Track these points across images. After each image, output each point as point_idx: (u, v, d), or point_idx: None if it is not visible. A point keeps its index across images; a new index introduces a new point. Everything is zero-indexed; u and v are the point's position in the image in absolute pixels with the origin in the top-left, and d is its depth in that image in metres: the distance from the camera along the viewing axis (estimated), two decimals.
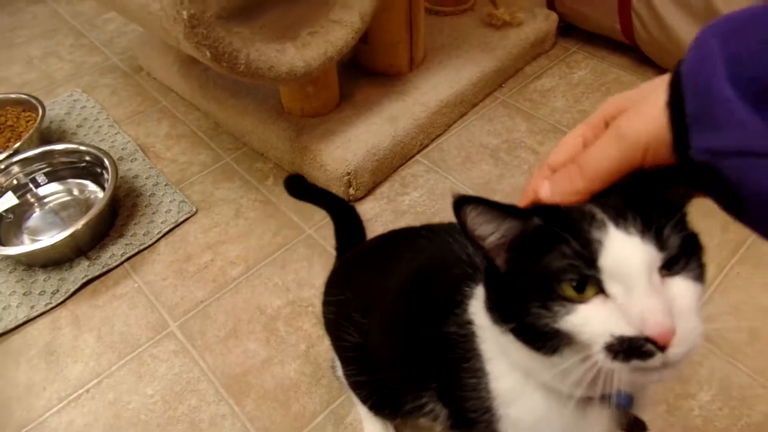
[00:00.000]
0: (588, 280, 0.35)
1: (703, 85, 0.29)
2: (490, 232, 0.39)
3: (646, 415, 0.48)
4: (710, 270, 1.04)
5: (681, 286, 0.35)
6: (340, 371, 0.80)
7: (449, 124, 1.30)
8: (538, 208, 0.39)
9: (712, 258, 1.05)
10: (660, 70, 1.40)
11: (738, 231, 1.04)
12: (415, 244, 0.68)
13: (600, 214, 0.36)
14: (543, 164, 0.41)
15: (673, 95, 0.31)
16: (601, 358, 0.35)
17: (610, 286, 0.35)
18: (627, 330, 0.34)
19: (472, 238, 0.40)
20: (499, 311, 0.42)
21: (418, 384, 0.59)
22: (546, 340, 0.38)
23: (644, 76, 1.40)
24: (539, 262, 0.37)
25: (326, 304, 0.78)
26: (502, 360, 0.47)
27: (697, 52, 0.30)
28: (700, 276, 0.37)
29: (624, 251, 0.34)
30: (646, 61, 1.42)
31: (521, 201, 0.42)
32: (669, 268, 0.36)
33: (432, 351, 0.55)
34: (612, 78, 1.42)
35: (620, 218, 0.35)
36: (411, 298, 0.61)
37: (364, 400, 0.73)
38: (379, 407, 0.73)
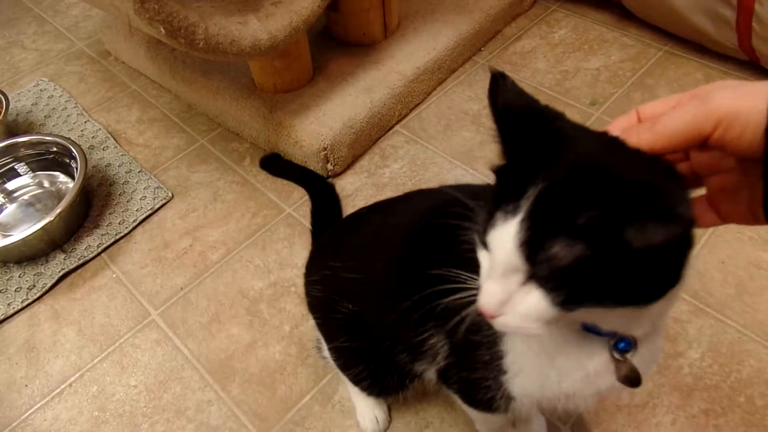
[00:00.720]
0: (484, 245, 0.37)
1: None
2: None
3: (647, 370, 0.48)
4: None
5: (530, 297, 0.35)
6: (326, 352, 0.78)
7: (428, 91, 1.26)
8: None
9: None
10: (643, 25, 1.36)
11: None
12: (418, 195, 0.68)
13: (528, 194, 0.33)
14: (633, 109, 0.39)
15: None
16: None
17: (485, 258, 0.37)
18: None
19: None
20: None
21: (422, 316, 0.57)
22: None
23: (627, 32, 1.36)
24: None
25: (310, 284, 0.76)
26: None
27: None
28: (557, 303, 0.34)
29: (499, 239, 0.34)
30: (628, 16, 1.38)
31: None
32: (537, 279, 0.34)
33: (441, 271, 0.52)
34: (594, 36, 1.38)
35: (532, 209, 0.33)
36: (422, 236, 0.59)
37: (356, 379, 0.72)
38: (371, 383, 0.71)
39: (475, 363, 0.52)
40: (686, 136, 0.33)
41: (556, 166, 0.34)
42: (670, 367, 0.83)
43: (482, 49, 1.37)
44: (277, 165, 1.15)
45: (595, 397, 0.50)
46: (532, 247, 0.32)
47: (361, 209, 0.79)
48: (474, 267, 0.45)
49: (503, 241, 0.34)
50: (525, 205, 0.33)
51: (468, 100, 1.26)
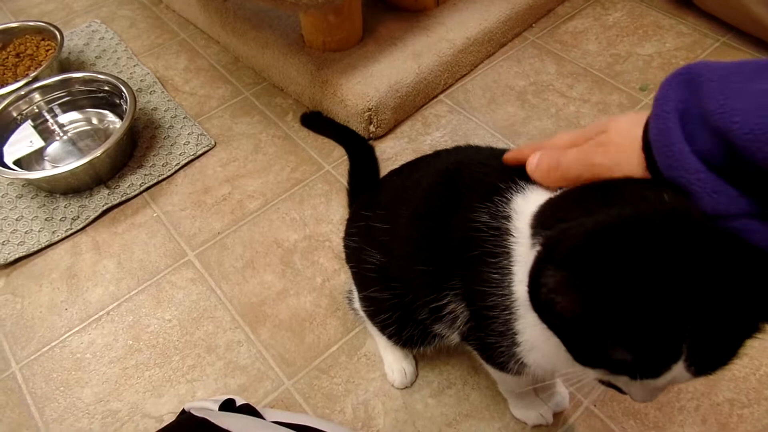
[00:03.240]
0: None
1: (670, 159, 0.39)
2: None
3: None
4: None
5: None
6: (356, 303, 0.80)
7: (475, 63, 1.25)
8: None
9: None
10: (701, 14, 1.32)
11: None
12: (451, 150, 0.67)
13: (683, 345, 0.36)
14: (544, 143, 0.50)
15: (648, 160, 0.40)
16: None
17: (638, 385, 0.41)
18: None
19: None
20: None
21: (441, 281, 0.58)
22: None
23: (684, 20, 1.33)
24: None
25: (348, 236, 0.77)
26: (525, 268, 0.46)
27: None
28: None
29: (668, 377, 0.39)
30: (687, 4, 1.34)
31: (509, 154, 0.52)
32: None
33: (459, 244, 0.54)
34: (650, 21, 1.35)
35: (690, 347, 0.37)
36: (444, 191, 0.59)
37: (383, 326, 0.73)
38: (397, 331, 0.72)
39: (490, 331, 0.53)
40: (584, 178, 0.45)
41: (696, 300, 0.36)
42: None
43: (533, 25, 1.35)
44: (318, 122, 1.16)
45: None
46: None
47: (403, 165, 0.79)
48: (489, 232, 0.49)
49: (672, 375, 0.37)
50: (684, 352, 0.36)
51: (515, 76, 1.24)
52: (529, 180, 0.50)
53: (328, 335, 0.88)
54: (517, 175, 0.51)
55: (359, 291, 0.77)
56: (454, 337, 0.63)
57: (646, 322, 0.35)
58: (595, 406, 0.79)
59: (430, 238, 0.59)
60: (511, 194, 0.50)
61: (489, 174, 0.55)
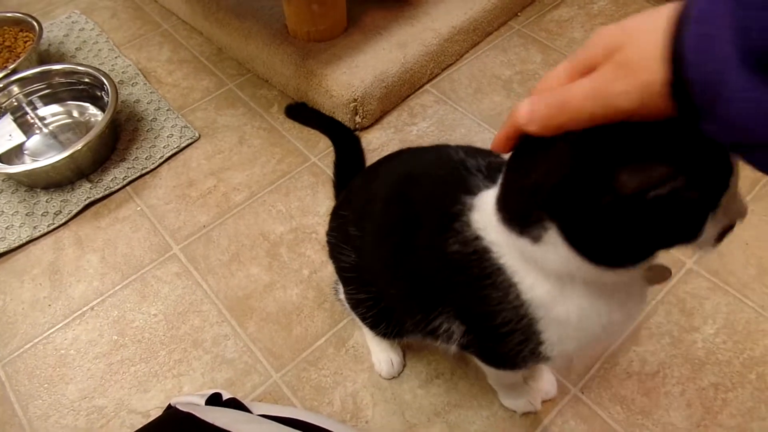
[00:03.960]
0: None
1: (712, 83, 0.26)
2: None
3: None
4: None
5: None
6: (342, 294, 0.79)
7: (461, 53, 1.25)
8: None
9: None
10: None
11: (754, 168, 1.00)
12: (408, 153, 0.66)
13: None
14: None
15: (676, 76, 0.28)
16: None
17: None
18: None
19: None
20: (580, 242, 0.39)
21: (426, 305, 0.58)
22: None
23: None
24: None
25: (330, 230, 0.77)
26: (532, 269, 0.45)
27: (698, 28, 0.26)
28: None
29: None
30: None
31: (498, 137, 0.41)
32: None
33: (439, 271, 0.53)
34: (634, 9, 1.34)
35: None
36: (399, 208, 0.59)
37: (364, 319, 0.73)
38: (380, 326, 0.72)
39: (506, 343, 0.51)
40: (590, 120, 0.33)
41: None
42: (683, 340, 0.83)
43: (519, 14, 1.35)
44: (303, 113, 1.15)
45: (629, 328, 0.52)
46: None
47: (369, 166, 0.78)
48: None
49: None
50: None
51: (501, 65, 1.24)
52: (473, 193, 0.50)
53: (315, 327, 0.88)
54: (462, 191, 0.51)
55: (342, 286, 0.76)
56: (451, 348, 0.61)
57: (716, 164, 0.36)
58: (582, 393, 0.80)
59: (400, 260, 0.59)
60: (467, 214, 0.49)
61: (437, 196, 0.54)
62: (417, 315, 0.61)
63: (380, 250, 0.62)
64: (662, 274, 0.47)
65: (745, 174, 1.02)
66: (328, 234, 0.77)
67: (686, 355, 0.82)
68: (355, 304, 0.73)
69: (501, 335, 0.50)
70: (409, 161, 0.64)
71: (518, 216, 0.42)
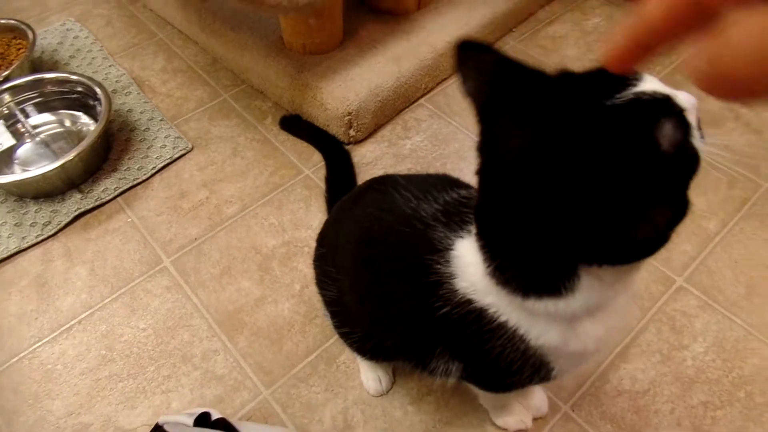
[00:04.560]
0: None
1: None
2: None
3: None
4: (714, 224, 1.02)
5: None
6: None
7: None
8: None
9: (716, 213, 1.03)
10: None
11: (744, 187, 1.01)
12: (364, 204, 0.64)
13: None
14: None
15: None
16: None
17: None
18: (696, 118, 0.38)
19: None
20: (614, 252, 0.37)
21: (419, 354, 0.57)
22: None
23: None
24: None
25: (314, 259, 0.77)
26: (538, 321, 0.45)
27: None
28: None
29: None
30: None
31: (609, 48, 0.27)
32: None
33: (429, 326, 0.52)
34: None
35: None
36: (369, 272, 0.59)
37: (351, 347, 0.74)
38: (366, 354, 0.73)
39: (516, 375, 0.50)
40: None
41: None
42: (673, 358, 0.84)
43: (514, 29, 1.36)
44: (297, 126, 1.15)
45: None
46: None
47: (358, 188, 0.76)
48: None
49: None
50: None
51: None
52: (440, 250, 0.48)
53: (306, 343, 0.87)
54: (428, 252, 0.49)
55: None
56: (449, 381, 0.60)
57: None
58: (573, 410, 0.80)
59: (386, 316, 0.58)
60: (449, 282, 0.48)
61: (405, 263, 0.53)
62: (412, 359, 0.61)
63: (361, 307, 0.63)
64: None
65: (734, 194, 1.03)
66: (314, 261, 0.77)
67: (676, 373, 0.82)
68: (341, 335, 0.74)
69: (506, 371, 0.50)
70: (366, 220, 0.61)
71: (543, 282, 0.41)
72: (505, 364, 0.49)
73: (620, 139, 0.34)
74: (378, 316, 0.61)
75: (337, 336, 0.87)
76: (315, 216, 1.02)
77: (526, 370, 0.49)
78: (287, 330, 0.89)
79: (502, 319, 0.46)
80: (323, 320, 0.89)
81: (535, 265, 0.40)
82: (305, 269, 0.95)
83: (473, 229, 0.46)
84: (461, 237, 0.49)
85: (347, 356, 0.85)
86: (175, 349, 0.87)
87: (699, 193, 0.99)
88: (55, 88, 1.16)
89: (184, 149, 1.13)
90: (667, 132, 0.34)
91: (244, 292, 0.93)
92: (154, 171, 1.09)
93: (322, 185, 1.06)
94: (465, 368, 0.55)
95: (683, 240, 0.96)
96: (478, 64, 0.41)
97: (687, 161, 0.35)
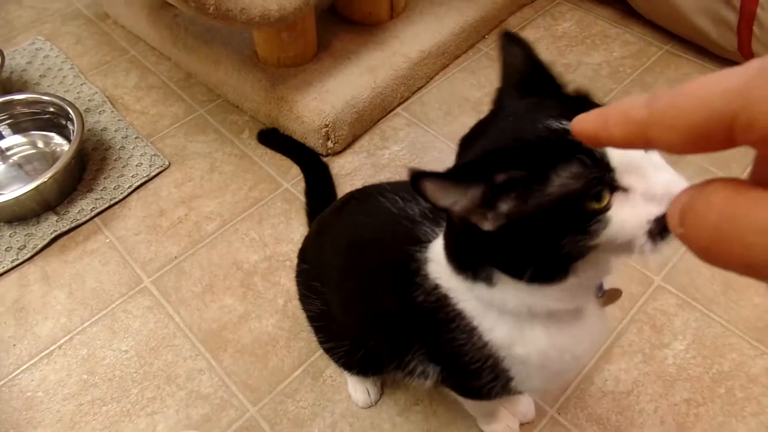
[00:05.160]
0: (605, 187, 0.35)
1: None
2: (453, 201, 0.37)
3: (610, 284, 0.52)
4: None
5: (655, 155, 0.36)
6: None
7: (431, 76, 1.26)
8: (493, 159, 0.38)
9: None
10: (646, 24, 1.37)
11: None
12: (350, 212, 0.67)
13: (562, 125, 0.35)
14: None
15: None
16: (647, 248, 0.35)
17: (625, 180, 0.35)
18: (659, 210, 0.34)
19: (439, 210, 0.39)
20: (503, 265, 0.42)
21: (399, 352, 0.59)
22: (567, 266, 0.39)
23: (630, 29, 1.37)
24: (548, 197, 0.35)
25: (297, 274, 0.78)
26: (489, 312, 0.48)
27: None
28: None
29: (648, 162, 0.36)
30: (631, 13, 1.39)
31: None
32: None
33: (406, 321, 0.56)
34: (597, 30, 1.39)
35: None
36: (356, 277, 0.62)
37: (337, 362, 0.74)
38: (353, 369, 0.73)
39: (478, 379, 0.53)
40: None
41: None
42: (655, 357, 0.85)
43: (486, 36, 1.37)
44: (274, 139, 1.15)
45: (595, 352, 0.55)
46: None
47: (338, 201, 0.78)
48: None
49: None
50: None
51: (470, 87, 1.26)
52: (423, 242, 0.52)
53: (292, 358, 0.87)
54: (412, 244, 0.53)
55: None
56: (427, 384, 0.62)
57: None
58: (559, 414, 0.81)
59: (370, 319, 0.61)
60: (424, 267, 0.52)
61: (390, 259, 0.56)
62: (393, 361, 0.62)
63: (347, 314, 0.65)
64: (613, 296, 0.50)
65: None
66: (296, 277, 0.78)
67: (658, 372, 0.84)
68: (326, 350, 0.74)
69: (471, 373, 0.52)
70: (352, 227, 0.65)
71: (468, 265, 0.45)
72: (466, 362, 0.51)
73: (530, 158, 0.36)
74: (362, 317, 0.63)
75: (322, 351, 0.87)
76: (296, 229, 1.02)
77: (486, 375, 0.51)
78: (272, 346, 0.88)
79: (460, 306, 0.49)
80: (308, 334, 0.89)
81: (463, 248, 0.45)
82: (288, 283, 0.95)
83: None
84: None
85: (333, 369, 0.85)
86: (158, 370, 0.86)
87: None
88: (26, 110, 1.14)
89: (161, 166, 1.12)
90: (561, 173, 0.35)
91: (227, 309, 0.93)
92: (130, 190, 1.08)
93: (302, 198, 1.06)
94: (441, 370, 0.58)
95: None
96: (511, 54, 0.45)
97: (569, 215, 0.35)
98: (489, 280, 0.44)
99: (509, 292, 0.43)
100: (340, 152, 1.13)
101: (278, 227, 1.03)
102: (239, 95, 1.20)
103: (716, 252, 0.17)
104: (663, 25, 1.34)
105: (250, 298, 0.94)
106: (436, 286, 0.50)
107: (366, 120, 1.15)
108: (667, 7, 1.25)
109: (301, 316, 0.90)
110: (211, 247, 1.00)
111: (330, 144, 1.10)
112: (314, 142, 1.10)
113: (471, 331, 0.49)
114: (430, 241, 0.53)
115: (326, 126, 1.07)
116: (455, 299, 0.49)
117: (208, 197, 1.08)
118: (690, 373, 0.83)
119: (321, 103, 1.08)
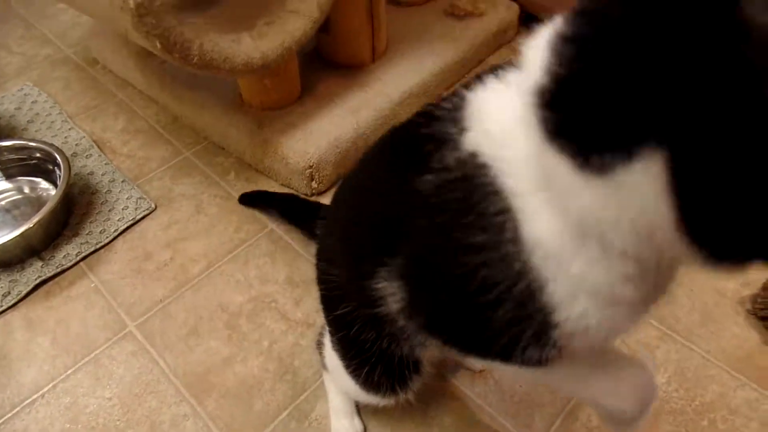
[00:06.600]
0: None
1: None
2: None
3: None
4: None
5: None
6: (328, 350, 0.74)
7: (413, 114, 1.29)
8: None
9: None
10: None
11: None
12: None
13: None
14: None
15: None
16: None
17: None
18: None
19: None
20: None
21: (367, 264, 0.46)
22: None
23: None
24: None
25: (317, 260, 0.70)
26: (549, 205, 0.32)
27: None
28: None
29: None
30: None
31: None
32: None
33: (391, 216, 0.43)
34: None
35: None
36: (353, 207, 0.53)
37: (357, 374, 0.66)
38: (371, 378, 0.64)
39: (494, 315, 0.37)
40: None
41: None
42: None
43: (466, 76, 1.41)
44: (257, 199, 1.13)
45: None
46: None
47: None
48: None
49: None
50: None
51: None
52: (446, 139, 0.38)
53: (277, 401, 0.87)
54: (425, 133, 0.40)
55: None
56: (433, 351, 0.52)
57: None
58: None
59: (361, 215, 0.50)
60: (453, 134, 0.37)
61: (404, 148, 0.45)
62: (355, 282, 0.50)
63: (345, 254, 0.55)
64: None
65: None
66: (317, 262, 0.69)
67: None
68: (351, 367, 0.67)
69: (485, 306, 0.35)
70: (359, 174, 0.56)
71: (606, 138, 0.27)
72: (480, 284, 0.35)
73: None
74: (355, 236, 0.51)
75: (308, 393, 0.87)
76: (281, 270, 1.03)
77: (508, 307, 0.34)
78: (257, 389, 0.88)
79: (503, 181, 0.34)
80: (294, 376, 0.89)
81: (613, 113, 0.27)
82: (273, 325, 0.95)
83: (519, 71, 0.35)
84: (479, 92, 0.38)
85: (319, 412, 0.85)
86: (142, 417, 0.86)
87: None
88: (13, 156, 1.15)
89: (147, 209, 1.13)
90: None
91: (212, 352, 0.92)
92: (116, 233, 1.09)
93: (287, 238, 1.07)
94: (424, 308, 0.42)
95: None
96: None
97: None
98: (610, 171, 0.27)
99: (635, 203, 0.27)
100: (324, 192, 1.15)
101: (263, 268, 1.04)
102: (225, 138, 1.22)
103: None
104: None
105: (235, 340, 0.94)
106: (473, 154, 0.35)
107: (350, 160, 1.17)
108: None
109: (286, 357, 0.91)
110: (196, 289, 1.01)
111: (314, 184, 1.12)
112: (298, 182, 1.12)
113: (504, 222, 0.33)
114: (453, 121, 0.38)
115: (310, 167, 1.09)
116: (499, 171, 0.34)
117: (193, 239, 1.09)
118: (673, 406, 0.84)
119: (305, 144, 1.10)
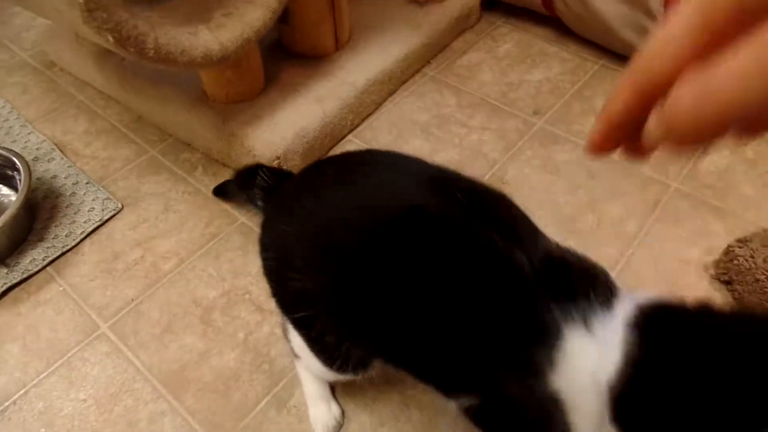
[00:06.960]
0: None
1: None
2: None
3: None
4: (632, 227, 1.08)
5: None
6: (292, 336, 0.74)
7: (379, 102, 1.30)
8: None
9: (633, 215, 1.09)
10: (580, 41, 1.44)
11: (655, 190, 1.08)
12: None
13: None
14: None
15: None
16: None
17: None
18: None
19: None
20: None
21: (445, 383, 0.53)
22: None
23: (567, 47, 1.44)
24: None
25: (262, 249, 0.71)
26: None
27: None
28: None
29: None
30: (567, 32, 1.46)
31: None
32: None
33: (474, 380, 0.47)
34: (536, 50, 1.45)
35: None
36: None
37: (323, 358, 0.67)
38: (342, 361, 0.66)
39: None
40: None
41: None
42: None
43: (431, 61, 1.42)
44: (229, 190, 1.11)
45: None
46: None
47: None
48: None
49: None
50: None
51: (417, 111, 1.30)
52: (552, 335, 0.41)
53: (255, 391, 0.86)
54: (535, 330, 0.41)
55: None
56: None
57: None
58: None
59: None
60: (544, 370, 0.41)
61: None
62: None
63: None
64: None
65: (648, 197, 1.08)
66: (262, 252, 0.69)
67: None
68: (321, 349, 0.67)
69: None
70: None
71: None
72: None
73: None
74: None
75: (285, 381, 0.87)
76: (253, 262, 1.02)
77: None
78: (234, 381, 0.88)
79: (573, 420, 0.41)
80: (270, 365, 0.89)
81: None
82: (248, 316, 0.95)
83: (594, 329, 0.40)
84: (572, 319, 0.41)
85: (297, 399, 0.85)
86: (118, 417, 0.85)
87: (617, 199, 1.05)
88: None
89: (114, 210, 1.11)
90: None
91: (188, 347, 0.92)
92: (83, 236, 1.07)
93: (258, 230, 1.06)
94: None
95: (606, 244, 1.02)
96: None
97: None
98: None
99: None
100: None
101: (235, 261, 1.03)
102: (190, 133, 1.21)
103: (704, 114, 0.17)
104: (596, 41, 1.41)
105: (210, 334, 0.93)
106: (555, 392, 0.40)
107: (317, 149, 1.17)
108: (596, 24, 1.32)
109: (262, 347, 0.91)
110: (168, 286, 1.00)
111: None
112: None
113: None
114: (549, 330, 0.41)
115: (278, 158, 1.08)
116: (571, 412, 0.40)
117: (163, 237, 1.07)
118: None
119: (271, 135, 1.10)
